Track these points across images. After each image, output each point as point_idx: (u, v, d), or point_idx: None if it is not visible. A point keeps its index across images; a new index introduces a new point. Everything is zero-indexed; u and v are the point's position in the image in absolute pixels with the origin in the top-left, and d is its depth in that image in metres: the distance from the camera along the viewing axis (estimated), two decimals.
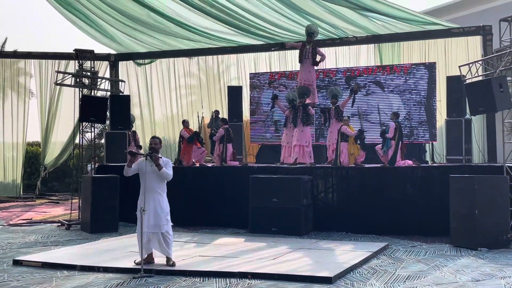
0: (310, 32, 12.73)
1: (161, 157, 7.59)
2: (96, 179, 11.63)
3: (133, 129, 14.99)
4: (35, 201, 17.81)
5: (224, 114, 15.44)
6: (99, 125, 18.32)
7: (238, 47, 16.65)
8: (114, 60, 17.99)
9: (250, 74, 15.71)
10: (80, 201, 12.30)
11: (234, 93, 14.76)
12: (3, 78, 18.21)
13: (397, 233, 10.44)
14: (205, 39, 16.19)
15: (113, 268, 7.58)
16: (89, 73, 13.13)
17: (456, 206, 9.45)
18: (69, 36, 47.91)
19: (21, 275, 7.39)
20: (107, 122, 14.66)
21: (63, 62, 17.87)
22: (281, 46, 13.04)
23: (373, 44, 15.87)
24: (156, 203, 7.55)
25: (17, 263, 8.08)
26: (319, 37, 13.89)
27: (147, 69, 18.13)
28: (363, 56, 16.22)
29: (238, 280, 6.95)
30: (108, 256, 8.42)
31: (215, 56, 17.55)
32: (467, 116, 12.04)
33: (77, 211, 12.57)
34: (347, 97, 12.36)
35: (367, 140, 12.02)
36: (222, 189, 11.99)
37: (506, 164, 9.77)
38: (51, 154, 18.37)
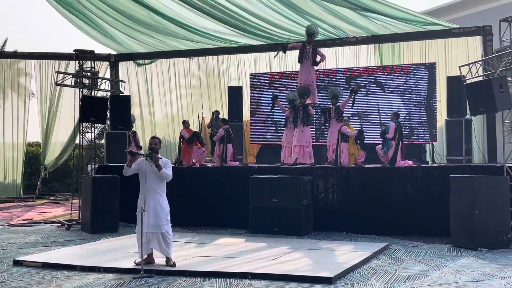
0: (310, 33, 12.72)
1: (161, 158, 7.59)
2: (97, 180, 11.63)
3: (133, 129, 14.99)
4: (35, 201, 17.82)
5: (224, 114, 15.45)
6: (100, 125, 18.32)
7: (238, 48, 16.67)
8: (114, 61, 18.02)
9: (250, 74, 15.72)
10: (80, 202, 12.30)
11: (234, 93, 14.76)
12: (3, 78, 18.22)
13: (397, 233, 10.44)
14: (205, 39, 16.20)
15: (113, 268, 7.58)
16: (89, 74, 13.13)
17: (456, 206, 9.45)
18: (69, 37, 48.00)
19: (21, 275, 7.39)
20: (107, 122, 14.67)
21: (63, 62, 17.91)
22: (283, 49, 13.00)
23: (373, 45, 15.89)
24: (156, 203, 7.55)
25: (17, 263, 8.08)
26: (319, 37, 13.89)
27: (147, 69, 18.15)
28: (363, 57, 16.24)
29: (239, 280, 6.95)
30: (108, 256, 8.42)
31: (215, 57, 17.57)
32: (467, 116, 12.04)
33: (77, 211, 12.57)
34: (347, 97, 12.36)
35: (367, 140, 12.02)
36: (222, 190, 11.99)
37: (506, 164, 9.77)
38: (52, 155, 18.38)
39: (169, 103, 18.13)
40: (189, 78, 18.18)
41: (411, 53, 15.42)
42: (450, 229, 9.58)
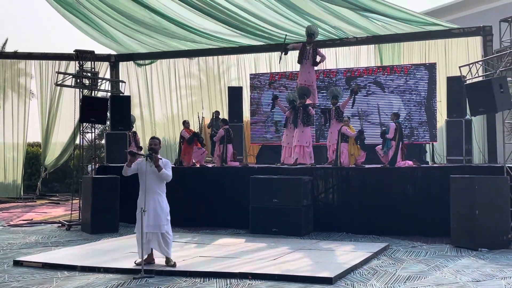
0: (310, 33, 12.72)
1: (161, 158, 7.59)
2: (97, 180, 11.63)
3: (134, 129, 14.99)
4: (35, 201, 17.81)
5: (224, 114, 15.45)
6: (100, 125, 18.30)
7: (238, 48, 16.67)
8: (114, 61, 18.02)
9: (251, 74, 15.72)
10: (81, 202, 12.30)
11: (235, 93, 14.76)
12: (3, 78, 18.22)
13: (397, 233, 10.44)
14: (205, 39, 16.20)
15: (113, 268, 7.58)
16: (89, 74, 13.13)
17: (456, 206, 9.45)
18: (70, 37, 47.98)
19: (21, 275, 7.39)
20: (108, 122, 14.67)
21: (64, 62, 17.91)
22: (284, 50, 12.98)
23: (373, 45, 15.89)
24: (156, 204, 7.55)
25: (17, 263, 8.07)
26: (319, 37, 13.89)
27: (148, 69, 18.15)
28: (363, 57, 16.24)
29: (239, 280, 6.95)
30: (108, 256, 8.41)
31: (215, 57, 17.57)
32: (468, 116, 12.05)
33: (78, 211, 12.56)
34: (348, 97, 12.36)
35: (368, 140, 12.02)
36: (223, 190, 11.98)
37: (507, 165, 9.77)
38: (52, 155, 18.38)
39: (169, 103, 18.13)
40: (189, 78, 18.18)
41: (411, 54, 15.42)
42: (450, 229, 9.58)
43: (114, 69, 18.04)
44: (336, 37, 15.32)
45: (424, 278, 7.11)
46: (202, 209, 11.97)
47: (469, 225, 9.17)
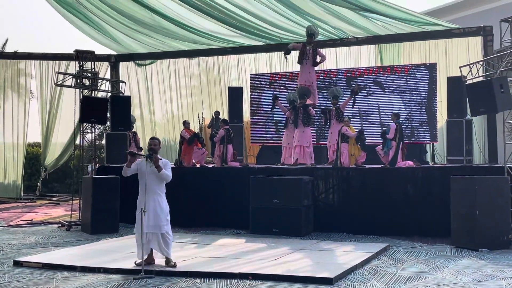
0: (311, 33, 12.70)
1: (161, 159, 7.58)
2: (97, 180, 11.62)
3: (134, 130, 14.98)
4: (35, 202, 17.80)
5: (224, 115, 15.44)
6: (100, 126, 18.32)
7: (238, 48, 16.66)
8: (114, 61, 18.01)
9: (251, 75, 15.71)
10: (81, 202, 12.29)
11: (235, 94, 14.75)
12: (3, 79, 18.21)
13: (397, 234, 10.43)
14: (205, 39, 16.19)
15: (113, 269, 7.57)
16: (89, 74, 13.12)
17: (456, 206, 9.43)
18: (70, 37, 48.00)
19: (21, 276, 7.38)
20: (108, 123, 14.66)
21: (64, 63, 17.90)
22: (286, 50, 12.97)
23: (373, 45, 15.88)
24: (156, 204, 7.54)
25: (17, 264, 8.06)
26: (320, 37, 13.88)
27: (148, 69, 18.14)
28: (363, 57, 16.22)
29: (239, 281, 6.94)
30: (108, 257, 8.40)
31: (215, 57, 17.56)
32: (468, 116, 12.03)
33: (78, 212, 12.56)
34: (348, 98, 12.34)
35: (368, 141, 12.00)
36: (223, 190, 11.98)
37: (507, 165, 9.76)
38: (52, 155, 18.38)
39: (169, 103, 18.12)
40: (189, 78, 18.17)
41: (412, 54, 15.41)
42: (451, 229, 9.57)
43: (114, 69, 18.03)
44: (337, 37, 15.31)
45: (425, 279, 7.10)
46: (202, 210, 11.96)
47: (469, 226, 9.16)
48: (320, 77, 14.16)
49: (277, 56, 16.80)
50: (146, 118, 18.25)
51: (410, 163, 11.30)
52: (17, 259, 8.26)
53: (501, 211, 9.15)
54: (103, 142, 16.52)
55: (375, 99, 13.73)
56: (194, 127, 15.67)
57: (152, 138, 7.85)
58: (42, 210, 15.64)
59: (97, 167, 13.01)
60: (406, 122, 13.18)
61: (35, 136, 20.10)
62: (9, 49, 19.60)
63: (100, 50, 16.71)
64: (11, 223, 12.97)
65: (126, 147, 12.86)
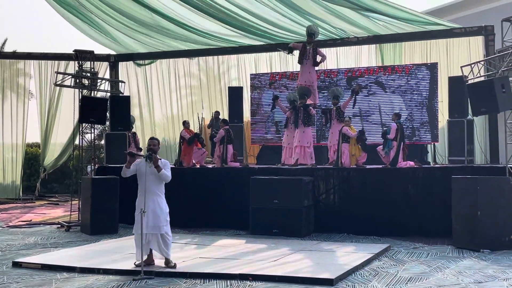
0: (311, 33, 12.66)
1: (160, 159, 7.54)
2: (96, 181, 11.58)
3: (133, 130, 14.94)
4: (34, 202, 17.78)
5: (224, 115, 15.41)
6: (99, 126, 18.27)
7: (238, 48, 16.63)
8: (114, 61, 17.97)
9: (251, 74, 15.69)
10: (80, 203, 12.25)
11: (235, 93, 14.71)
12: (2, 79, 18.17)
13: (398, 234, 10.39)
14: (205, 39, 16.15)
15: (113, 270, 7.53)
16: (89, 74, 13.09)
17: (458, 207, 9.40)
18: (69, 37, 47.97)
19: (20, 277, 7.35)
20: (107, 123, 14.62)
21: (63, 63, 17.86)
22: (289, 49, 12.91)
23: (374, 45, 15.84)
24: (155, 205, 7.50)
25: (16, 265, 8.03)
26: (320, 37, 13.85)
27: (147, 69, 18.11)
28: (364, 57, 16.18)
29: (239, 282, 6.91)
30: (108, 258, 8.37)
31: (215, 57, 17.53)
32: (469, 116, 12.00)
33: (77, 212, 12.53)
34: (348, 98, 12.30)
35: (369, 141, 11.97)
36: (223, 190, 11.94)
37: (509, 165, 9.72)
38: (51, 155, 18.34)
39: (169, 103, 18.09)
40: (189, 78, 18.14)
41: (413, 53, 15.37)
42: (452, 230, 9.53)
43: (114, 69, 17.99)
44: (337, 37, 15.27)
45: (426, 279, 7.06)
46: (202, 210, 11.92)
47: (471, 226, 9.12)
48: (321, 77, 14.13)
49: (277, 56, 16.76)
50: (145, 118, 18.22)
51: (411, 163, 11.26)
52: (16, 260, 8.23)
53: (502, 212, 9.11)
54: (103, 142, 16.49)
55: (376, 99, 13.70)
56: (194, 127, 15.64)
57: (152, 139, 7.82)
58: (41, 211, 15.61)
59: (96, 167, 12.98)
60: (407, 122, 13.14)
61: (34, 136, 20.12)
62: (8, 48, 19.60)
63: (99, 50, 16.71)
64: (10, 224, 12.94)
65: (126, 148, 12.82)
